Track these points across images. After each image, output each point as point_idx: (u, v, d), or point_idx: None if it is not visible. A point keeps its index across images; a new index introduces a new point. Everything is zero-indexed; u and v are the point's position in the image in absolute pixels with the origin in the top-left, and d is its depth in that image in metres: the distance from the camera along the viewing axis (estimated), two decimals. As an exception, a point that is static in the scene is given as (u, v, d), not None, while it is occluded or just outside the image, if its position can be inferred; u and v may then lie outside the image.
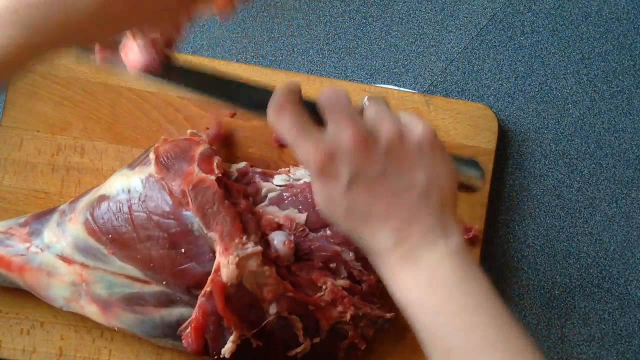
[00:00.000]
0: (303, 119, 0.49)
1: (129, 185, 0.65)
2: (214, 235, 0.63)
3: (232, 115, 0.75)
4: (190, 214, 0.63)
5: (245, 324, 0.63)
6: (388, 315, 0.69)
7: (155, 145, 0.67)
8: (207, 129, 0.74)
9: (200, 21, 0.81)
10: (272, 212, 0.68)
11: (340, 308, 0.66)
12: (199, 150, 0.66)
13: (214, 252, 0.63)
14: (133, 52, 0.49)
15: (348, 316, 0.67)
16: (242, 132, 0.75)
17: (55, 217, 0.67)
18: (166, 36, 0.49)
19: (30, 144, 0.73)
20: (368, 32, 0.81)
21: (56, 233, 0.66)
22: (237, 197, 0.67)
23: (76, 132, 0.74)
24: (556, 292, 0.79)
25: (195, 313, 0.63)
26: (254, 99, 0.53)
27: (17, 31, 0.38)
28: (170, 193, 0.64)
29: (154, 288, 0.64)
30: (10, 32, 0.38)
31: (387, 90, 0.76)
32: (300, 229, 0.68)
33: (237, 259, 0.61)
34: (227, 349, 0.63)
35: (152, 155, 0.65)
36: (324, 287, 0.66)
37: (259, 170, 0.73)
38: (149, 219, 0.63)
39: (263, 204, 0.69)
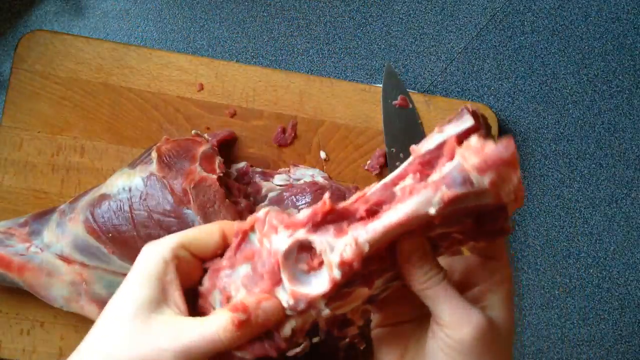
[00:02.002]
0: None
1: (130, 184, 0.65)
2: (214, 234, 0.63)
3: (232, 115, 0.75)
4: (191, 212, 0.63)
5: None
6: (388, 315, 0.69)
7: (158, 144, 0.67)
8: (208, 129, 0.74)
9: (200, 21, 0.81)
10: (273, 212, 0.68)
11: (340, 308, 0.66)
12: (200, 149, 0.66)
13: (214, 251, 0.63)
14: None
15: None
16: (242, 132, 0.75)
17: (55, 217, 0.67)
18: None
19: (30, 144, 0.73)
20: (368, 32, 0.81)
21: (56, 233, 0.66)
22: (238, 197, 0.67)
23: (76, 132, 0.74)
24: (556, 292, 0.79)
25: (195, 312, 0.63)
26: None
27: None
28: (172, 191, 0.64)
29: (154, 288, 0.64)
30: None
31: (387, 90, 0.76)
32: (300, 228, 0.68)
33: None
34: (227, 348, 0.63)
35: (154, 154, 0.65)
36: (323, 286, 0.66)
37: (258, 170, 0.73)
38: (150, 218, 0.63)
39: (264, 203, 0.69)
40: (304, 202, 0.70)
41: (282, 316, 0.44)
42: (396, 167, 0.74)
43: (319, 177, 0.73)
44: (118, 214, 0.64)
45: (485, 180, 0.40)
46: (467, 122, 0.43)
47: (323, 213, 0.43)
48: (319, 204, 0.43)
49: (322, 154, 0.75)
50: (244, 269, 0.46)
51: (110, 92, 0.75)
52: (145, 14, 0.80)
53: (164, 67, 0.75)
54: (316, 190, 0.71)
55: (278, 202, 0.69)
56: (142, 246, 0.63)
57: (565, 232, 0.79)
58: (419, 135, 0.75)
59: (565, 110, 0.81)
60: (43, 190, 0.73)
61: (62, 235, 0.66)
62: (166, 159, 0.65)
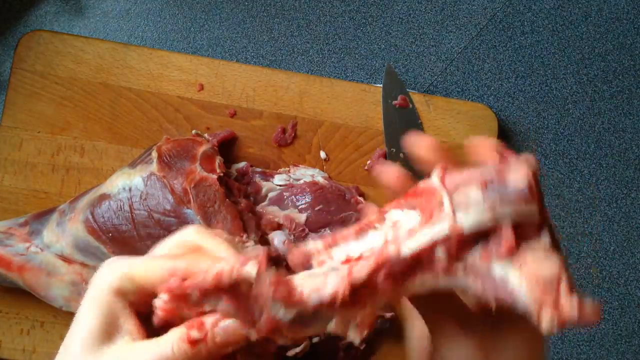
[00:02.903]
0: None
1: (130, 184, 0.65)
2: (214, 234, 0.63)
3: (232, 115, 0.75)
4: (191, 212, 0.63)
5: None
6: (388, 315, 0.69)
7: (158, 144, 0.67)
8: (208, 129, 0.74)
9: (200, 21, 0.81)
10: (273, 212, 0.69)
11: (340, 308, 0.66)
12: (201, 149, 0.66)
13: (214, 251, 0.63)
14: None
15: (348, 316, 0.66)
16: (242, 132, 0.75)
17: (55, 216, 0.67)
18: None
19: (30, 144, 0.73)
20: (368, 32, 0.81)
21: (56, 233, 0.66)
22: (238, 196, 0.67)
23: (76, 132, 0.74)
24: (556, 292, 0.79)
25: (195, 312, 0.63)
26: None
27: None
28: (172, 191, 0.64)
29: (154, 287, 0.64)
30: None
31: (387, 90, 0.76)
32: (300, 228, 0.68)
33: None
34: (227, 348, 0.63)
35: (154, 154, 0.66)
36: (323, 286, 0.66)
37: (258, 169, 0.73)
38: (150, 217, 0.63)
39: (264, 203, 0.69)
40: (304, 202, 0.70)
41: (241, 338, 0.41)
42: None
43: (319, 177, 0.73)
44: (118, 214, 0.64)
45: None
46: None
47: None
48: None
49: (322, 154, 0.75)
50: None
51: (110, 92, 0.75)
52: (145, 14, 0.80)
53: (164, 67, 0.75)
54: (316, 191, 0.71)
55: (278, 202, 0.69)
56: (142, 246, 0.64)
57: (565, 232, 0.79)
58: None
59: (565, 110, 0.81)
60: (43, 190, 0.73)
61: (62, 235, 0.66)
62: (166, 158, 0.65)
